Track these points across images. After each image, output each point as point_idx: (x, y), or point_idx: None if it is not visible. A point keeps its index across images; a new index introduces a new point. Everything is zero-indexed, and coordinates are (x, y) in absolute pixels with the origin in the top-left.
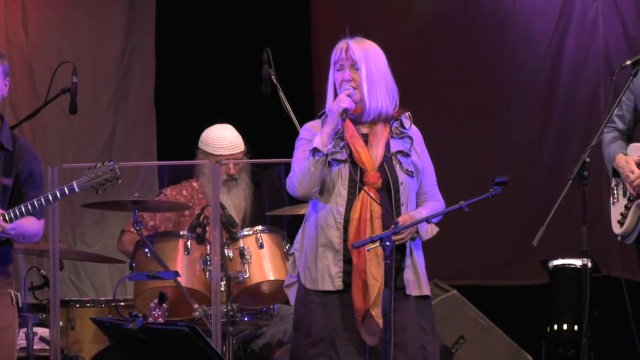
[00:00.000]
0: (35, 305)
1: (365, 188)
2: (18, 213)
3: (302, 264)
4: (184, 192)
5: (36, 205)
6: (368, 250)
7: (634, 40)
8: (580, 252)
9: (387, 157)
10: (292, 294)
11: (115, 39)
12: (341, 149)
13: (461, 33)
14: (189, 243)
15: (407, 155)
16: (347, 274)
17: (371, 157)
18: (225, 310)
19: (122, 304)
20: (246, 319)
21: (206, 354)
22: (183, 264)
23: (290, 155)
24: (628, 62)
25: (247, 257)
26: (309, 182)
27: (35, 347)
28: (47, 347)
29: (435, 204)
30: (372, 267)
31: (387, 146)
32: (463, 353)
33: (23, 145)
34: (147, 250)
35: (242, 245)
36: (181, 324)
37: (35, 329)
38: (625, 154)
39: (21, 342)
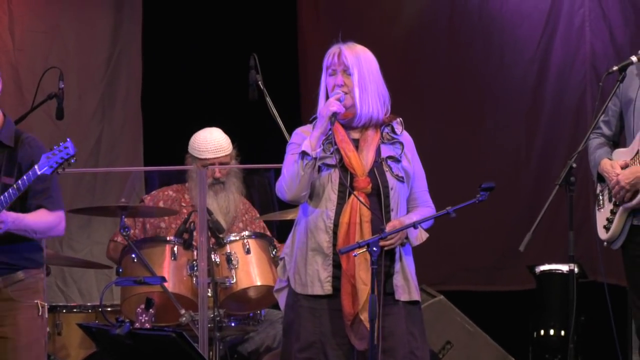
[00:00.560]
0: None
1: (355, 192)
2: None
3: (292, 269)
4: (161, 204)
5: (7, 197)
6: (355, 256)
7: (620, 46)
8: (567, 258)
9: (378, 162)
10: (282, 298)
11: (102, 44)
12: (331, 153)
13: (448, 38)
14: (175, 248)
15: (397, 160)
16: (336, 279)
17: (361, 162)
18: (212, 315)
19: (109, 309)
20: (233, 324)
21: None
22: (170, 269)
23: (278, 160)
24: (615, 68)
25: (234, 262)
26: (298, 185)
27: None
28: (44, 353)
29: (425, 210)
30: (361, 272)
31: (378, 151)
32: (450, 358)
33: (26, 138)
34: (134, 255)
35: (229, 251)
36: (168, 330)
37: None
38: (611, 159)
39: None
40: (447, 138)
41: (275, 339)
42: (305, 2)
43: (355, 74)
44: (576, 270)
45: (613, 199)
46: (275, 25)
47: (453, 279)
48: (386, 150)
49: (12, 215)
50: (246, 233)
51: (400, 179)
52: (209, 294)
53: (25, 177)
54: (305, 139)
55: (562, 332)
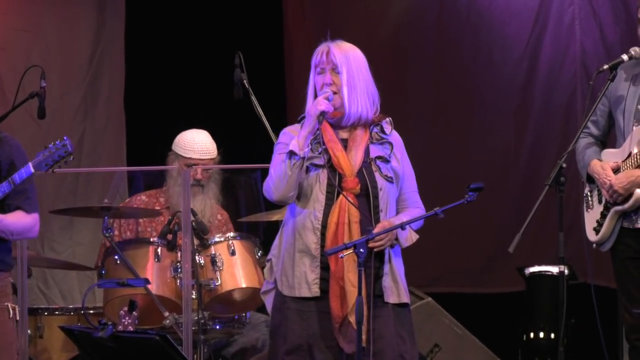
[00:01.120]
0: None
1: (344, 192)
2: None
3: (279, 270)
4: None
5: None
6: (342, 257)
7: (611, 45)
8: (557, 259)
9: (366, 163)
10: (269, 301)
11: (84, 42)
12: (320, 153)
13: (436, 36)
14: (159, 250)
15: (386, 161)
16: (324, 281)
17: (350, 162)
18: (196, 318)
19: (92, 311)
20: (218, 327)
21: None
22: (153, 271)
23: (264, 160)
24: (605, 67)
25: (219, 264)
26: (285, 185)
27: None
28: (15, 356)
29: (415, 210)
30: (350, 274)
31: (367, 151)
32: None
33: (4, 137)
34: (117, 257)
35: (213, 252)
36: (152, 332)
37: None
38: (600, 159)
39: None
40: (434, 137)
41: (258, 340)
42: (291, 0)
43: (344, 73)
44: (566, 272)
45: (604, 201)
46: (261, 24)
47: (441, 280)
48: (375, 151)
49: None
50: (231, 234)
51: (389, 180)
52: (193, 296)
53: (17, 174)
54: (293, 138)
55: (552, 335)
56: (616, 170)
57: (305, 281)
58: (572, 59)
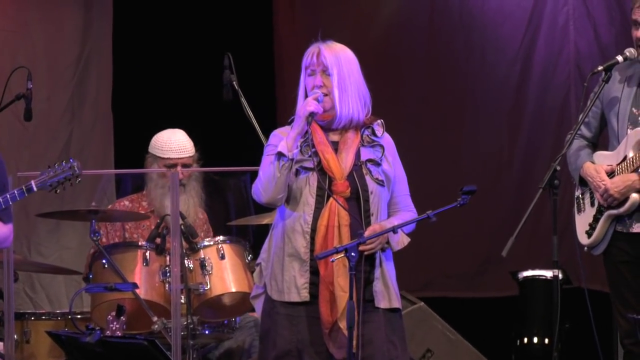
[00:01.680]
0: None
1: (334, 196)
2: None
3: (269, 275)
4: None
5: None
6: (333, 261)
7: (605, 46)
8: (551, 263)
9: (357, 166)
10: (258, 305)
11: (71, 43)
12: (310, 156)
13: (428, 37)
14: (147, 254)
15: (377, 164)
16: (313, 285)
17: (340, 165)
18: (185, 323)
19: (79, 316)
20: (207, 332)
21: None
22: (142, 275)
23: (254, 163)
24: (600, 68)
25: (208, 268)
26: (274, 187)
27: None
28: None
29: (407, 214)
30: (339, 279)
31: (358, 154)
32: None
33: None
34: (104, 261)
35: (202, 256)
36: (140, 337)
37: None
38: (593, 162)
39: None
40: (426, 139)
41: (245, 342)
42: (281, 1)
43: (335, 75)
44: (560, 276)
45: (596, 204)
46: (251, 24)
47: (433, 285)
48: (366, 153)
49: None
50: (220, 238)
51: (380, 183)
52: (182, 301)
53: (17, 190)
54: (283, 140)
55: (546, 340)
56: (610, 174)
57: (294, 286)
58: (566, 60)
